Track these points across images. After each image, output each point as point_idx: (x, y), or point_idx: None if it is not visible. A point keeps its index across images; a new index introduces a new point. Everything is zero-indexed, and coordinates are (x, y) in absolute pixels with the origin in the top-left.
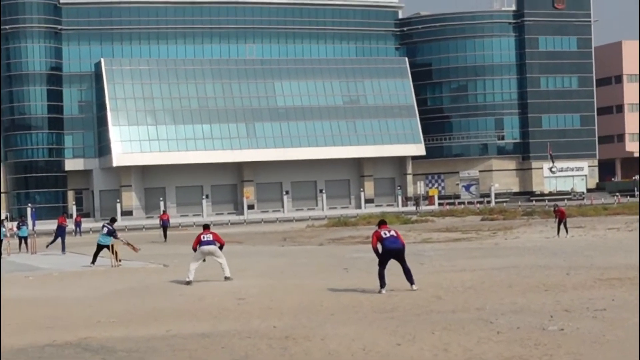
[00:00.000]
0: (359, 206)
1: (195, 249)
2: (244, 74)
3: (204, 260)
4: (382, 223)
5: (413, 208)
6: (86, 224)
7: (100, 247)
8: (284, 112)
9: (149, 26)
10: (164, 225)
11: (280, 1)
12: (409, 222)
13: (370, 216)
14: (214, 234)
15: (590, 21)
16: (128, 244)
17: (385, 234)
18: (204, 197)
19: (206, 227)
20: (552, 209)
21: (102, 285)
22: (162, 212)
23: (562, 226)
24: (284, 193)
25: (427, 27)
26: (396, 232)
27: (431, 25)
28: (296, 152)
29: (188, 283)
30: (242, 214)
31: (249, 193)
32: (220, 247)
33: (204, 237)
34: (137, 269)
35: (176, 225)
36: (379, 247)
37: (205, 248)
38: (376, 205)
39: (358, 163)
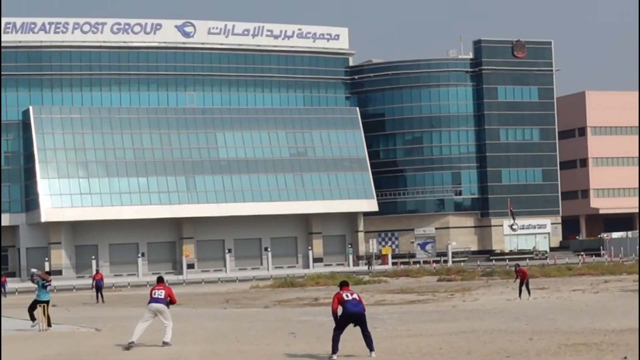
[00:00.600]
0: (306, 265)
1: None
2: (183, 124)
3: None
4: (344, 284)
5: (365, 268)
6: (12, 284)
7: (37, 304)
8: (226, 165)
9: (81, 72)
10: (98, 286)
11: (223, 46)
12: (361, 282)
13: (319, 276)
14: (167, 290)
15: (552, 70)
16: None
17: (347, 296)
18: (139, 255)
19: (160, 280)
20: (514, 269)
21: (29, 351)
22: (95, 272)
23: (524, 287)
24: (227, 251)
25: (380, 75)
26: (358, 296)
27: (384, 74)
28: (239, 207)
29: (129, 346)
30: (181, 273)
31: (189, 251)
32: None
33: (155, 293)
34: (66, 333)
35: (109, 286)
36: (339, 310)
37: (154, 306)
38: (325, 265)
39: (306, 219)
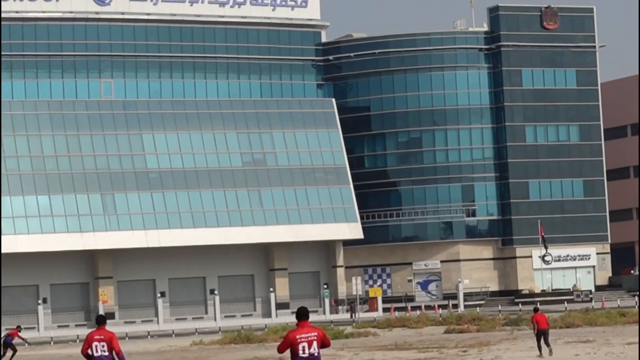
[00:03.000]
0: (267, 314)
1: (85, 356)
2: (97, 122)
3: None
4: (301, 317)
5: (347, 316)
6: None
7: None
8: (156, 178)
9: None
10: (8, 343)
11: (150, 18)
12: (340, 335)
13: (285, 328)
14: (110, 338)
15: (594, 47)
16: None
17: (301, 340)
18: (39, 301)
19: (101, 321)
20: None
21: None
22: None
23: (542, 340)
24: (158, 295)
25: (363, 55)
26: (320, 338)
27: (368, 53)
28: (175, 235)
29: None
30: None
31: (106, 296)
32: None
33: (96, 348)
34: None
35: None
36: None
37: None
38: (293, 312)
39: (266, 251)
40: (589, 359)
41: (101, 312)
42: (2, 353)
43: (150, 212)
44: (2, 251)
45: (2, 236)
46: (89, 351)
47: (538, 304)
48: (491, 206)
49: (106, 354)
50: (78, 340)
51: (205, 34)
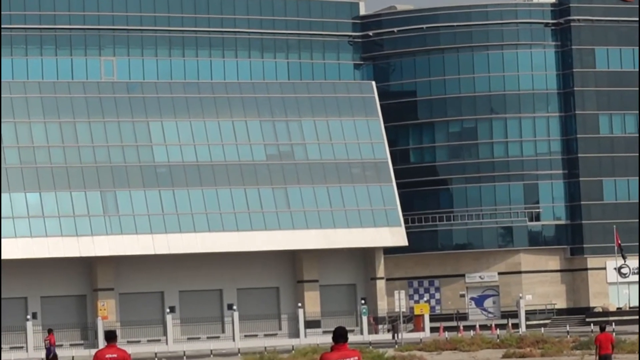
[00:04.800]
0: (294, 333)
1: None
2: (96, 107)
3: None
4: (339, 339)
5: (388, 336)
6: None
7: None
8: (165, 173)
9: None
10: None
11: None
12: (381, 359)
13: (315, 350)
14: (120, 354)
15: None
16: None
17: None
18: (28, 317)
19: (111, 337)
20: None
21: None
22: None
23: None
24: (167, 310)
25: (409, 31)
26: None
27: (415, 28)
28: (187, 240)
29: None
30: (96, 345)
31: (106, 310)
32: None
33: None
34: None
35: None
36: None
37: None
38: (325, 332)
39: (293, 260)
40: None
41: (100, 329)
42: None
43: (159, 213)
44: None
45: None
46: None
47: (607, 323)
48: (558, 209)
49: None
50: None
51: (223, 4)
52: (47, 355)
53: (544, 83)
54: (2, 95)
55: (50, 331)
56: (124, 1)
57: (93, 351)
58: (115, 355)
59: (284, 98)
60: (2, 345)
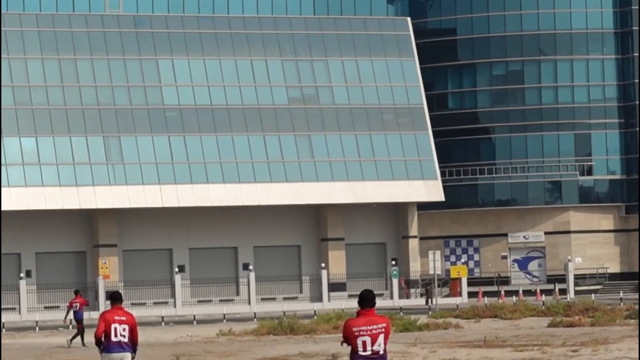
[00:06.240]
0: (317, 297)
1: (97, 340)
2: (99, 44)
3: None
4: (365, 303)
5: (421, 301)
6: None
7: None
8: (175, 117)
9: None
10: (78, 319)
11: None
12: (413, 327)
13: (339, 316)
14: (134, 322)
15: None
16: None
17: (361, 333)
18: (21, 275)
19: (117, 298)
20: None
21: None
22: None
23: None
24: (176, 270)
25: None
26: (388, 331)
27: None
28: (199, 192)
29: None
30: (96, 308)
31: (108, 269)
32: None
33: (115, 330)
34: None
35: None
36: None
37: (116, 357)
38: (350, 296)
39: (316, 215)
40: None
41: (101, 290)
42: (78, 331)
43: (167, 162)
44: None
45: None
46: (111, 336)
47: None
48: (613, 162)
49: (126, 340)
50: (71, 327)
51: None
52: (77, 319)
53: (599, 21)
54: (8, 29)
55: (77, 292)
56: None
57: (93, 314)
58: (124, 318)
59: (308, 35)
60: None
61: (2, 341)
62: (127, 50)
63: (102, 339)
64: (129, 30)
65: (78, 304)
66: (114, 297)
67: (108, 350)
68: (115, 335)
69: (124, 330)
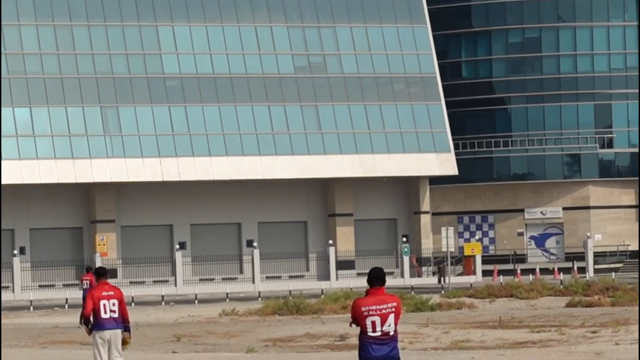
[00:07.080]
0: (324, 275)
1: (86, 318)
2: (96, 10)
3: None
4: (374, 282)
5: (433, 280)
6: None
7: None
8: (176, 87)
9: None
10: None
11: None
12: (424, 307)
13: (347, 295)
14: (121, 296)
15: None
16: None
17: (370, 313)
18: (15, 252)
19: (103, 273)
20: None
21: None
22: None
23: None
24: (177, 247)
25: None
26: (399, 311)
27: None
28: (200, 165)
29: None
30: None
31: (106, 246)
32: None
33: (104, 304)
34: None
35: None
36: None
37: (108, 334)
38: (359, 274)
39: (324, 189)
40: None
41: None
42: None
43: (168, 133)
44: None
45: None
46: (101, 312)
47: None
48: (634, 134)
49: (116, 315)
50: (67, 306)
51: None
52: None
53: None
54: None
55: (89, 270)
56: None
57: None
58: (111, 293)
59: (315, 0)
60: None
61: None
62: (126, 16)
63: (91, 317)
64: None
65: (88, 281)
66: (99, 273)
67: (100, 327)
68: (105, 312)
69: (113, 305)
